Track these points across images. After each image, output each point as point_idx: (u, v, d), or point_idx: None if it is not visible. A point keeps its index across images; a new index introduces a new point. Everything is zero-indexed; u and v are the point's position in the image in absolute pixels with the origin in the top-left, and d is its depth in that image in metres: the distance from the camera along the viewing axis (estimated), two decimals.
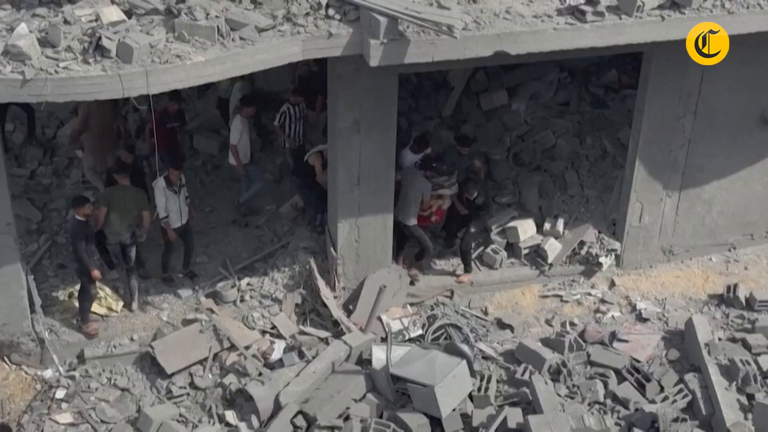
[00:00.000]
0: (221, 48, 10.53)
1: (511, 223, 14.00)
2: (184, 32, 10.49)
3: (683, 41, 11.83)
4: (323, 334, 12.77)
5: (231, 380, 12.13)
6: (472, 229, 13.49)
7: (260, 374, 12.14)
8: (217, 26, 10.52)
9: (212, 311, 12.86)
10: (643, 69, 12.95)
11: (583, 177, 14.69)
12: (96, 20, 10.55)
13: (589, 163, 14.86)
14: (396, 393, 12.05)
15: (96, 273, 12.29)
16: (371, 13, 10.73)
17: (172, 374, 12.23)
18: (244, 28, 10.65)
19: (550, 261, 13.85)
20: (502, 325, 13.35)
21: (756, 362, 12.28)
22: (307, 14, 10.95)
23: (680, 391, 12.13)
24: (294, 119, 14.38)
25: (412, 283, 13.51)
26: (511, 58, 11.50)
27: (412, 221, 13.23)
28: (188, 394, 12.14)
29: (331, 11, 11.00)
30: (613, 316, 13.42)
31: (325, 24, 10.96)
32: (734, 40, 11.92)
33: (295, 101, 14.41)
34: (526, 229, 14.02)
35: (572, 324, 13.31)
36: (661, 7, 11.42)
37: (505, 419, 11.64)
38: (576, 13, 11.32)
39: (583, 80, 16.03)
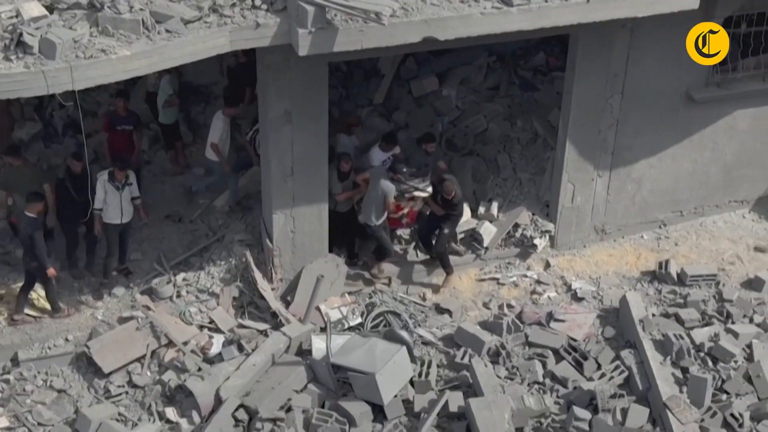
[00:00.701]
0: (147, 41, 10.39)
1: None
2: (108, 26, 10.32)
3: (609, 22, 11.96)
4: (262, 326, 12.70)
5: (170, 377, 12.02)
6: (446, 231, 13.43)
7: (199, 369, 12.04)
8: (142, 19, 10.37)
9: (148, 308, 12.71)
10: (570, 51, 13.08)
11: (515, 160, 14.80)
12: (16, 16, 10.34)
13: (521, 146, 14.97)
14: (337, 382, 12.05)
15: (52, 271, 12.27)
16: (298, 2, 10.66)
17: (110, 373, 12.08)
18: (170, 21, 10.52)
19: (485, 245, 13.94)
20: (440, 310, 13.42)
21: (689, 336, 12.52)
22: (234, 5, 10.86)
23: (617, 367, 12.32)
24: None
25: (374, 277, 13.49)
26: (440, 44, 11.54)
27: (374, 221, 13.07)
28: (127, 392, 12.00)
29: (257, 1, 10.92)
30: (549, 297, 13.57)
31: (252, 14, 10.87)
32: (658, 19, 12.08)
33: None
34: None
35: (510, 306, 13.42)
36: None
37: (446, 403, 11.71)
38: None
39: (512, 64, 16.13)
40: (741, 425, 11.58)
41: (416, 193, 13.31)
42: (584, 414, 11.56)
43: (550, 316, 13.12)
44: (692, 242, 14.46)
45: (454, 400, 11.78)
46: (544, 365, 12.40)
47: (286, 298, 13.20)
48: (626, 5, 11.66)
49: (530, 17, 11.40)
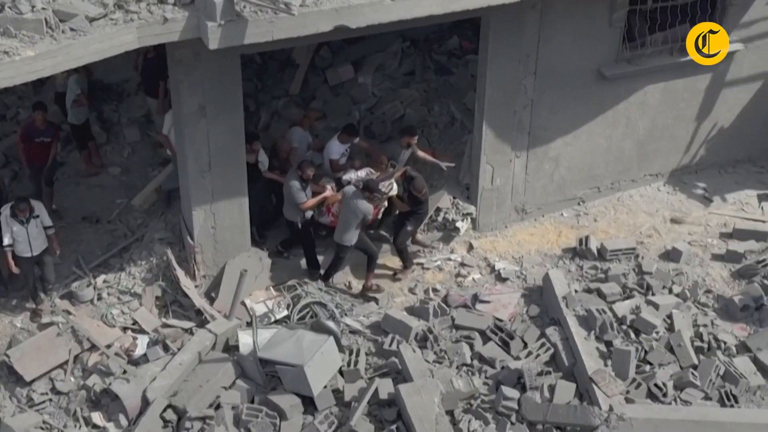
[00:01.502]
0: (51, 41, 10.13)
1: None
2: (9, 27, 10.04)
3: (518, 3, 12.04)
4: (187, 324, 12.56)
5: (94, 381, 11.81)
6: (409, 228, 13.43)
7: (125, 372, 11.86)
8: (45, 18, 10.10)
9: (69, 312, 12.48)
10: (482, 34, 13.14)
11: (433, 144, 14.85)
12: None
13: (439, 131, 15.04)
14: (266, 376, 11.97)
15: None
16: None
17: (32, 381, 11.82)
18: (74, 19, 10.27)
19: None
20: (366, 298, 13.41)
21: (611, 310, 12.72)
22: (140, 0, 10.66)
23: (543, 345, 12.46)
24: None
25: (376, 292, 13.32)
26: (352, 32, 11.49)
27: (351, 242, 12.92)
28: (51, 399, 11.76)
29: None
30: (473, 279, 13.66)
31: (159, 9, 10.69)
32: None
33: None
34: None
35: (435, 290, 13.48)
36: None
37: (376, 391, 11.71)
38: None
39: (426, 49, 16.18)
40: (665, 394, 11.81)
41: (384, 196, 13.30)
42: (512, 393, 11.67)
43: (476, 298, 13.21)
44: (610, 217, 14.69)
45: (384, 387, 11.78)
46: (471, 347, 12.48)
47: (211, 295, 13.06)
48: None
49: (441, 1, 11.42)
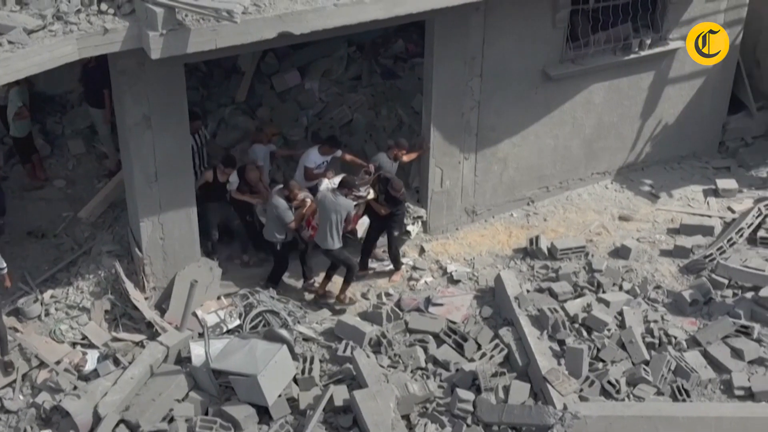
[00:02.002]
0: None
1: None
2: None
3: (462, 6, 12.07)
4: (138, 337, 12.42)
5: (44, 398, 11.61)
6: (396, 232, 13.44)
7: (75, 388, 11.68)
8: None
9: (16, 329, 12.26)
10: (427, 37, 13.16)
11: (382, 148, 14.80)
12: None
13: (387, 134, 15.03)
14: (219, 387, 11.85)
15: None
16: (146, 4, 10.41)
17: None
18: (12, 32, 10.11)
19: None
20: (319, 304, 13.36)
21: (563, 309, 12.79)
22: (79, 11, 10.52)
23: (496, 346, 12.49)
24: (195, 150, 13.22)
25: (336, 305, 13.21)
26: (297, 38, 11.42)
27: (337, 244, 12.78)
28: None
29: (103, 6, 10.61)
30: (426, 282, 13.66)
31: (99, 20, 10.55)
32: (508, 1, 12.25)
33: (193, 128, 13.21)
34: None
35: (388, 295, 13.46)
36: None
37: (331, 398, 11.66)
38: None
39: (372, 53, 16.16)
40: (618, 391, 11.90)
41: (359, 200, 13.17)
42: (467, 395, 11.68)
43: (428, 301, 13.22)
44: (560, 216, 14.78)
45: (339, 393, 11.74)
46: (425, 350, 12.47)
47: (161, 307, 12.93)
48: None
49: (384, 6, 11.40)
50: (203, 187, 13.06)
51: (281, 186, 12.95)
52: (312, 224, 13.06)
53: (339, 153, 13.71)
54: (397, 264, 13.72)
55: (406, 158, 13.67)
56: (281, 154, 14.23)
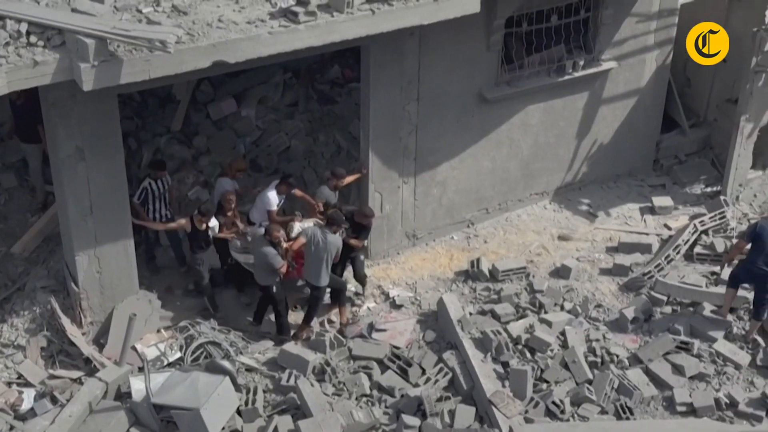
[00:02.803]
0: None
1: (259, 230, 13.87)
2: None
3: (397, 31, 12.08)
4: (75, 374, 12.18)
5: None
6: (362, 257, 13.50)
7: (11, 428, 11.39)
8: None
9: None
10: (362, 62, 13.16)
11: (321, 174, 14.78)
12: None
13: (325, 160, 15.00)
14: (161, 422, 11.65)
15: None
16: (77, 36, 10.25)
17: None
18: None
19: None
20: (261, 334, 13.22)
21: (506, 330, 12.82)
22: (7, 44, 10.30)
23: (441, 370, 12.47)
24: (157, 194, 13.25)
25: (306, 339, 13.02)
26: (232, 66, 11.34)
27: (324, 281, 12.70)
28: None
29: (33, 38, 10.40)
30: (368, 308, 13.60)
31: (28, 52, 10.34)
32: (444, 24, 12.29)
33: (157, 176, 13.23)
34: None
35: (330, 322, 13.38)
36: (369, 1, 11.59)
37: (276, 428, 11.53)
38: (289, 15, 11.30)
39: (309, 79, 16.14)
40: (563, 411, 11.93)
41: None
42: (413, 421, 11.64)
43: (371, 327, 13.16)
44: (500, 238, 14.83)
45: (284, 424, 11.61)
46: (370, 377, 12.40)
47: (99, 342, 12.70)
48: (411, 14, 11.80)
49: (318, 33, 11.37)
50: (188, 237, 13.01)
51: (263, 232, 12.75)
52: (300, 261, 13.06)
53: (293, 190, 13.57)
54: (364, 284, 13.72)
55: (344, 182, 13.62)
56: (242, 192, 13.98)
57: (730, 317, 13.12)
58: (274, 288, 12.79)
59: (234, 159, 13.87)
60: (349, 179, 13.65)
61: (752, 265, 12.56)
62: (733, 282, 12.91)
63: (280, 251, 12.62)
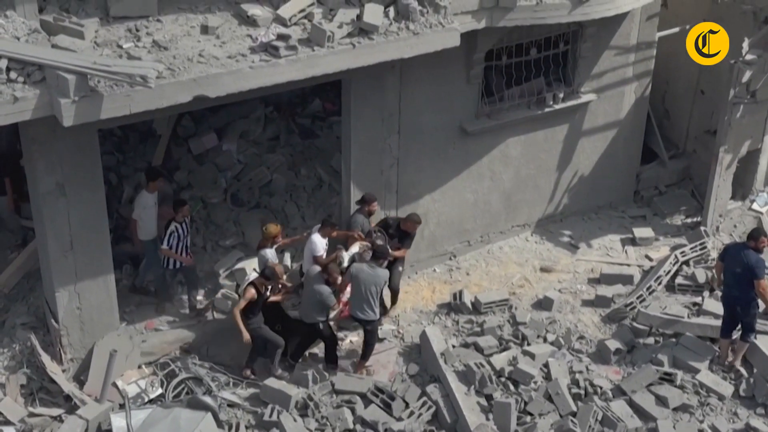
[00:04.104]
0: None
1: (238, 265, 13.87)
2: None
3: (377, 65, 12.14)
4: (56, 411, 12.06)
5: None
6: (400, 268, 13.77)
7: None
8: None
9: None
10: (343, 96, 13.21)
11: (303, 208, 14.78)
12: None
13: (307, 194, 14.99)
14: None
15: None
16: (57, 72, 10.24)
17: None
18: None
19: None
20: (243, 369, 13.12)
21: (489, 363, 12.80)
22: None
23: (424, 404, 12.41)
24: (182, 237, 12.97)
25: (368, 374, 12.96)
26: (213, 101, 11.38)
27: (376, 314, 12.75)
28: None
29: (12, 74, 10.37)
30: (351, 341, 13.54)
31: (8, 88, 10.31)
32: (424, 58, 12.36)
33: (183, 215, 12.97)
34: (254, 269, 13.89)
35: (313, 356, 13.30)
36: (350, 35, 11.66)
37: None
38: (270, 49, 11.34)
39: (290, 113, 16.16)
40: None
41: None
42: None
43: (353, 362, 13.09)
44: (482, 270, 14.84)
45: None
46: (353, 411, 12.33)
47: (80, 378, 12.58)
48: (391, 48, 11.87)
49: (299, 67, 11.41)
50: (247, 309, 12.41)
51: (319, 271, 12.69)
52: (342, 300, 13.02)
53: (335, 233, 13.42)
54: (396, 300, 13.82)
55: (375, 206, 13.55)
56: (284, 245, 13.77)
57: (715, 348, 13.16)
58: (321, 325, 12.71)
59: (264, 227, 13.26)
60: (341, 234, 13.51)
61: (728, 289, 12.65)
62: (725, 330, 12.96)
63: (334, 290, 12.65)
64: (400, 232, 13.45)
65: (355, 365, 13.05)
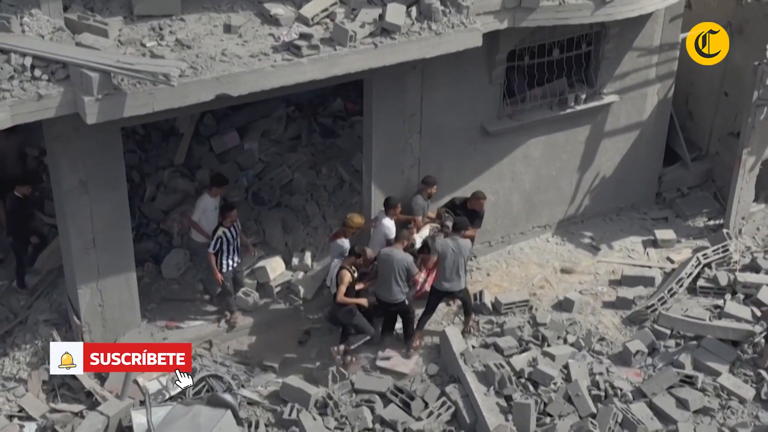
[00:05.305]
0: None
1: (259, 263, 13.90)
2: None
3: (399, 65, 12.14)
4: (77, 407, 12.14)
5: None
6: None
7: None
8: None
9: None
10: (365, 95, 13.23)
11: (323, 207, 14.80)
12: None
13: (328, 193, 15.00)
14: None
15: None
16: (81, 70, 10.31)
17: None
18: None
19: (302, 296, 13.83)
20: (263, 367, 13.17)
21: (509, 364, 12.78)
22: (12, 78, 10.36)
23: (443, 404, 12.41)
24: (231, 241, 12.91)
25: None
26: (235, 99, 11.40)
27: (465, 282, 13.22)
28: None
29: (37, 72, 10.46)
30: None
31: (32, 86, 10.40)
32: (446, 58, 12.36)
33: (231, 219, 12.88)
34: (274, 267, 13.96)
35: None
36: (372, 35, 11.68)
37: None
38: (292, 48, 11.38)
39: (311, 112, 16.18)
40: None
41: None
42: None
43: (374, 360, 13.10)
44: (503, 271, 14.81)
45: None
46: (372, 411, 12.34)
47: (101, 375, 12.64)
48: (413, 48, 11.87)
49: (321, 66, 11.44)
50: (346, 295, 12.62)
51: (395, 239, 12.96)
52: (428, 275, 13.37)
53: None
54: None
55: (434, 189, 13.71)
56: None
57: (735, 351, 13.09)
58: (407, 301, 12.93)
59: (349, 217, 13.23)
60: (401, 217, 13.56)
61: None
62: None
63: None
64: (468, 212, 13.51)
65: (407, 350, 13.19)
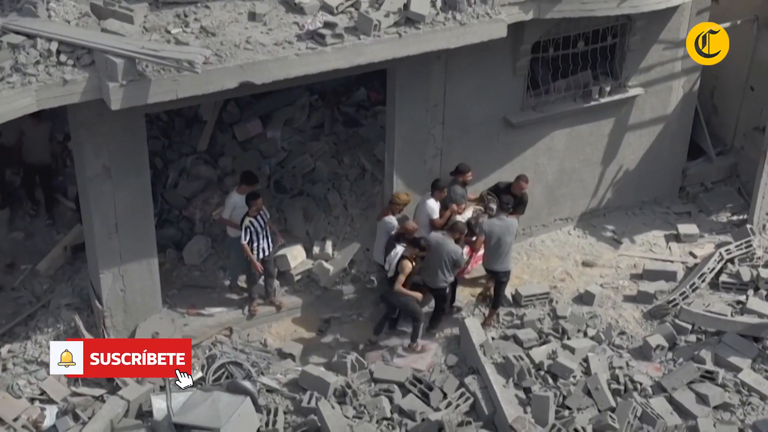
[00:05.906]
0: None
1: (280, 251, 13.91)
2: None
3: (423, 55, 12.12)
4: (98, 391, 12.20)
5: None
6: None
7: None
8: None
9: None
10: (388, 85, 13.21)
11: (345, 196, 14.80)
12: None
13: (350, 183, 15.00)
14: None
15: None
16: (106, 56, 10.35)
17: None
18: None
19: (323, 284, 13.86)
20: (283, 355, 13.21)
21: (528, 356, 12.75)
22: (38, 62, 10.43)
23: (462, 395, 12.40)
24: (260, 230, 12.86)
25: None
26: (258, 87, 11.42)
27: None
28: None
29: (63, 57, 10.53)
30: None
31: (58, 71, 10.46)
32: (470, 49, 12.34)
33: (257, 207, 12.78)
34: (295, 256, 13.98)
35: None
36: (396, 24, 11.66)
37: None
38: (316, 37, 11.38)
39: (334, 101, 16.18)
40: None
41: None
42: None
43: (393, 350, 13.11)
44: (524, 263, 14.78)
45: None
46: (391, 400, 12.35)
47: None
48: (438, 38, 11.85)
49: (345, 55, 11.43)
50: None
51: (447, 232, 12.97)
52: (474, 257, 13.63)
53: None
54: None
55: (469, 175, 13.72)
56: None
57: (756, 347, 13.01)
58: (447, 289, 13.07)
59: (395, 195, 13.30)
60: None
61: None
62: None
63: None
64: (512, 197, 13.51)
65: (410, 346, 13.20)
